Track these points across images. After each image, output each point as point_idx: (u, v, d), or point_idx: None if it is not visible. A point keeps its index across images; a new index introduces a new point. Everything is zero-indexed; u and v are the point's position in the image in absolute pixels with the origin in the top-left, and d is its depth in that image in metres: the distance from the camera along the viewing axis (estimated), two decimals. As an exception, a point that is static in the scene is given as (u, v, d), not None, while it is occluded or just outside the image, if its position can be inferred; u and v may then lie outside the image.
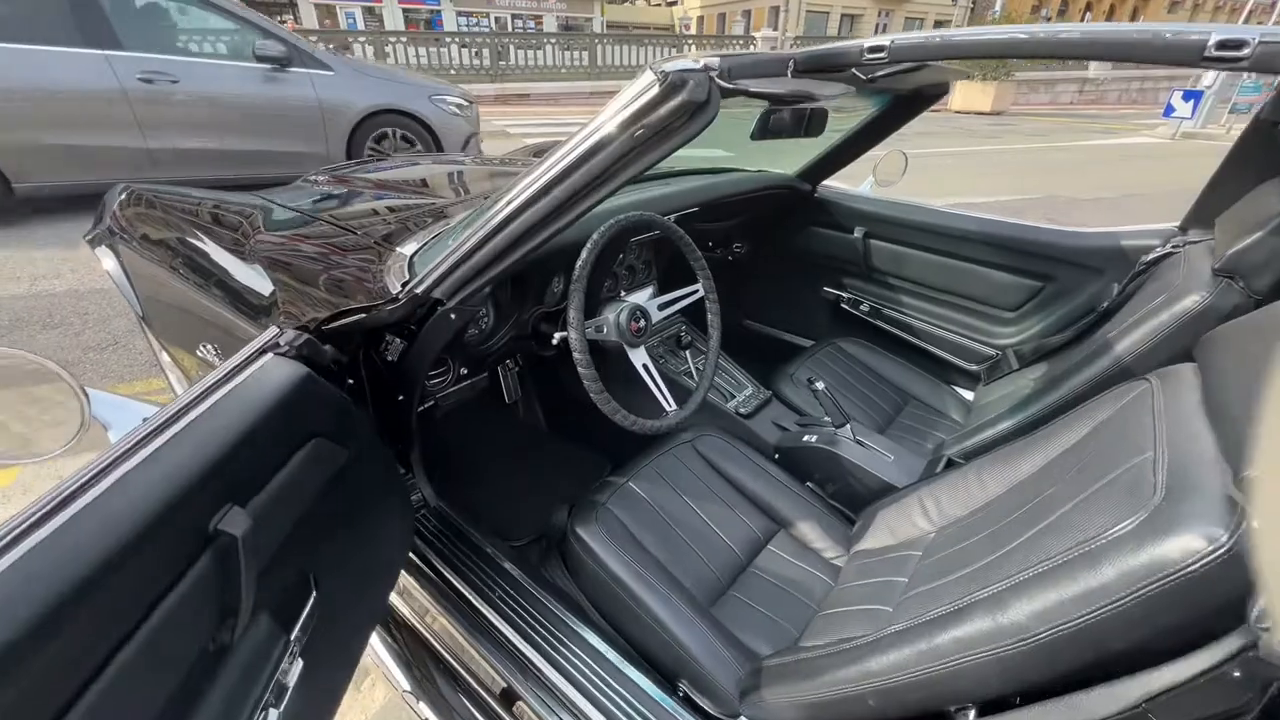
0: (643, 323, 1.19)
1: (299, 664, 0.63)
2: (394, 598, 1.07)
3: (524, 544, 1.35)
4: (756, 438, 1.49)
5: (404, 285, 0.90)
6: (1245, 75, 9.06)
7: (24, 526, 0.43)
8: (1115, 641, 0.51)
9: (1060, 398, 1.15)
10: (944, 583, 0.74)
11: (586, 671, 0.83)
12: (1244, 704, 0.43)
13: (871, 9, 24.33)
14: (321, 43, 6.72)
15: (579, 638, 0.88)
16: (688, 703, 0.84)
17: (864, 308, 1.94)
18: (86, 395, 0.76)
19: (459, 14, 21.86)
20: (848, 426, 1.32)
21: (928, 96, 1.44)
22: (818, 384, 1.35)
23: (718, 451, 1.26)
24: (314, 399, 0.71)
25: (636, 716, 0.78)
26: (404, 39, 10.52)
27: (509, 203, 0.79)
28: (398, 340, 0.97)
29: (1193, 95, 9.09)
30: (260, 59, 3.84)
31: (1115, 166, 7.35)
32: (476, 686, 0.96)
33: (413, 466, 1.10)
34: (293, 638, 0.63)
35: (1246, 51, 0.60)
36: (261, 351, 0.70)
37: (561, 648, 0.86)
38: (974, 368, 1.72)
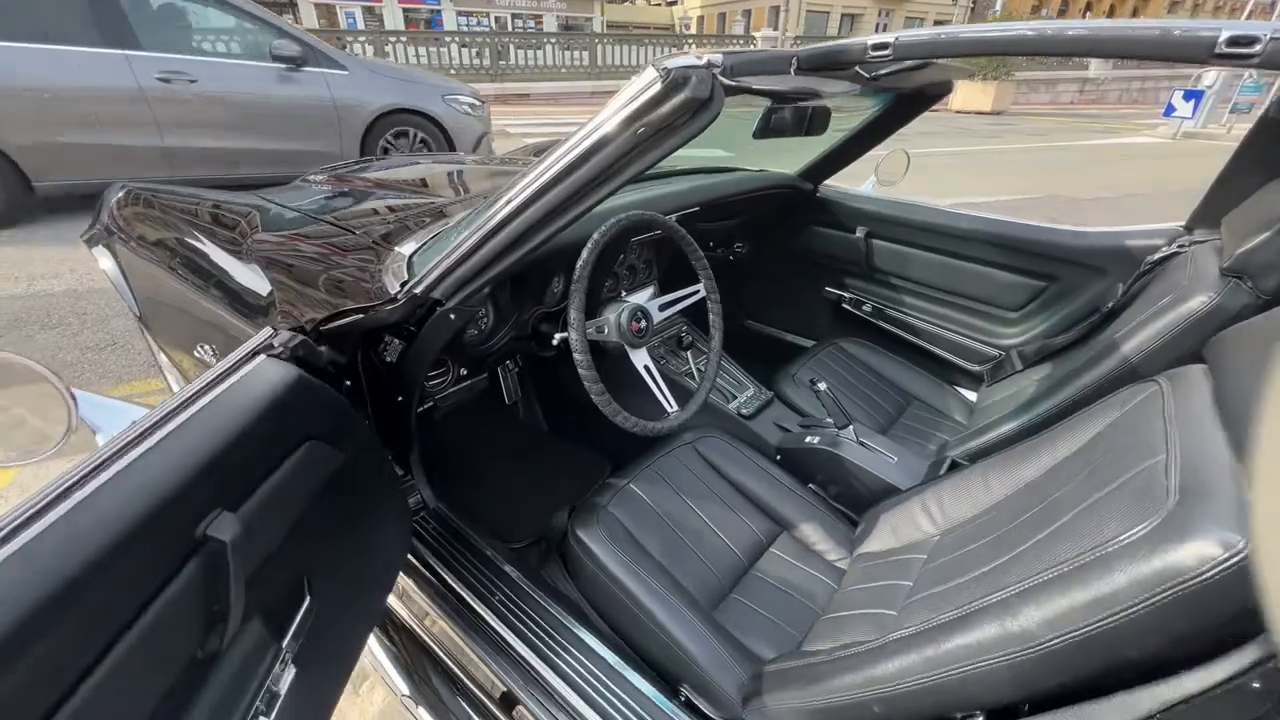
0: (644, 323, 1.18)
1: (291, 670, 0.61)
2: (393, 600, 1.06)
3: (524, 546, 1.34)
4: (758, 439, 1.48)
5: (403, 285, 0.89)
6: (1246, 75, 9.06)
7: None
8: (1128, 650, 0.49)
9: (1065, 399, 1.14)
10: (950, 587, 0.72)
11: (587, 675, 0.83)
12: (1263, 716, 0.42)
13: (872, 8, 24.30)
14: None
15: (579, 641, 0.87)
16: (689, 707, 0.83)
17: (866, 308, 1.93)
18: (74, 398, 0.76)
19: (459, 14, 21.85)
20: (850, 428, 1.31)
21: (930, 96, 1.43)
22: (820, 385, 1.34)
23: (719, 453, 1.25)
24: (308, 401, 0.70)
25: None
26: (404, 39, 10.54)
27: (509, 202, 0.78)
28: (396, 341, 0.96)
29: (1193, 95, 9.08)
30: (276, 58, 3.85)
31: (1116, 166, 7.34)
32: (476, 690, 0.95)
33: (412, 468, 1.10)
34: (285, 644, 0.61)
35: (1258, 48, 0.60)
36: (255, 353, 0.69)
37: (562, 651, 0.86)
38: (977, 368, 1.71)
